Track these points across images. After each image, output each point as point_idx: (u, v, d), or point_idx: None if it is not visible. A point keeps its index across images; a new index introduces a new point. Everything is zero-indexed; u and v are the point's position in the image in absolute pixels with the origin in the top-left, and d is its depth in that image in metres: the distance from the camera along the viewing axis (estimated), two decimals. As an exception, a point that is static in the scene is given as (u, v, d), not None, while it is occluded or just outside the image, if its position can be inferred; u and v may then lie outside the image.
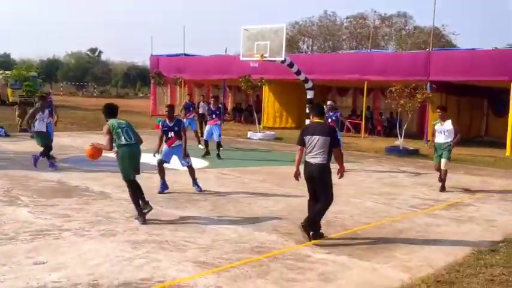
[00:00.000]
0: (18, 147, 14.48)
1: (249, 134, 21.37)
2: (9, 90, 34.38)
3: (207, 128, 14.78)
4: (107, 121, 7.24)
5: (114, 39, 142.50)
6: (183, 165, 9.48)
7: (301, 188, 10.08)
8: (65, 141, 16.29)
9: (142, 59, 75.40)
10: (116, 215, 7.38)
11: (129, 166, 7.18)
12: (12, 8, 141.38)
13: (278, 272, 5.38)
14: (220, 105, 15.98)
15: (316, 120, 6.80)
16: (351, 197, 9.45)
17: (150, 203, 7.20)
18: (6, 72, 32.22)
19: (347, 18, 52.93)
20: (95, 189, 9.12)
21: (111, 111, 7.44)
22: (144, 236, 6.43)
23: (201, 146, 15.62)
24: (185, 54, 30.68)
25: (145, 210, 7.13)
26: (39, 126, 11.41)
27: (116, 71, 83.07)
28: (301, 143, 6.70)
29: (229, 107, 32.46)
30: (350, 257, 5.97)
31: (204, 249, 6.01)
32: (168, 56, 31.46)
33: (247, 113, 28.70)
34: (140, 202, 7.18)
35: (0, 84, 37.50)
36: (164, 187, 9.17)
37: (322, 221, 7.50)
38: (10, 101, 32.46)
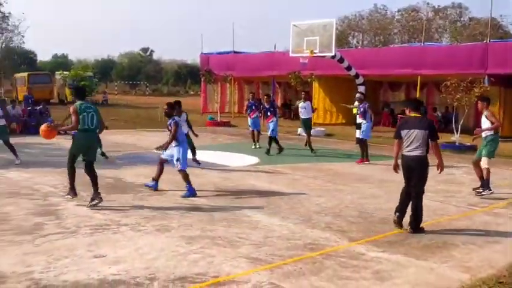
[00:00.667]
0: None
1: (299, 130, 21.27)
2: (67, 90, 35.81)
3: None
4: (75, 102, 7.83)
5: (165, 38, 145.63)
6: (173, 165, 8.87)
7: (354, 185, 9.99)
8: (119, 139, 16.80)
9: (193, 57, 76.68)
10: (170, 211, 7.53)
11: (79, 151, 7.77)
12: (68, 10, 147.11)
13: (332, 269, 5.33)
14: (273, 102, 15.91)
15: (413, 114, 6.94)
16: (405, 195, 9.23)
17: (100, 196, 7.55)
18: (65, 72, 33.60)
19: (398, 11, 51.79)
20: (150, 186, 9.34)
21: (79, 92, 8.15)
22: (198, 231, 6.53)
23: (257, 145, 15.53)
24: (234, 52, 30.91)
25: (94, 202, 7.49)
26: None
27: (167, 70, 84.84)
28: (398, 136, 6.90)
29: (279, 103, 32.44)
30: (406, 255, 5.84)
31: (256, 245, 6.04)
32: (218, 53, 31.80)
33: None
34: (93, 189, 7.62)
35: (59, 84, 39.19)
36: (155, 186, 8.99)
37: (376, 219, 7.39)
38: (68, 100, 33.78)
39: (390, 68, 22.45)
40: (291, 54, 18.74)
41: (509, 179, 11.21)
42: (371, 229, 6.91)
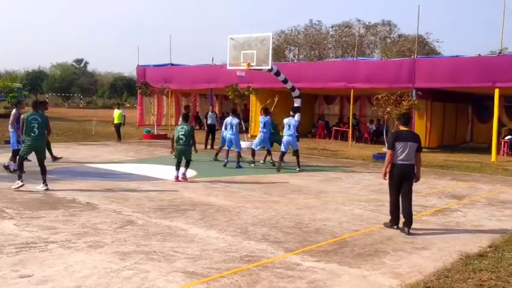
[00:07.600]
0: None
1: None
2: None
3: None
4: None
5: (101, 50, 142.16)
6: None
7: (290, 196, 10.12)
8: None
9: (130, 70, 75.33)
10: (103, 226, 7.29)
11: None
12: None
13: (268, 281, 5.35)
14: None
15: (404, 128, 7.77)
16: (340, 204, 9.47)
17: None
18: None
19: (332, 27, 53.40)
20: (82, 201, 9.03)
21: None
22: (132, 246, 6.36)
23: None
24: (172, 64, 30.64)
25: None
26: None
27: (103, 82, 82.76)
28: (392, 147, 7.56)
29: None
30: (340, 264, 5.96)
31: (193, 259, 5.96)
32: (154, 66, 31.38)
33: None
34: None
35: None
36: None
37: (312, 229, 7.52)
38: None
39: (325, 81, 23.09)
40: (228, 67, 18.79)
41: (437, 188, 11.75)
42: (306, 239, 7.01)
